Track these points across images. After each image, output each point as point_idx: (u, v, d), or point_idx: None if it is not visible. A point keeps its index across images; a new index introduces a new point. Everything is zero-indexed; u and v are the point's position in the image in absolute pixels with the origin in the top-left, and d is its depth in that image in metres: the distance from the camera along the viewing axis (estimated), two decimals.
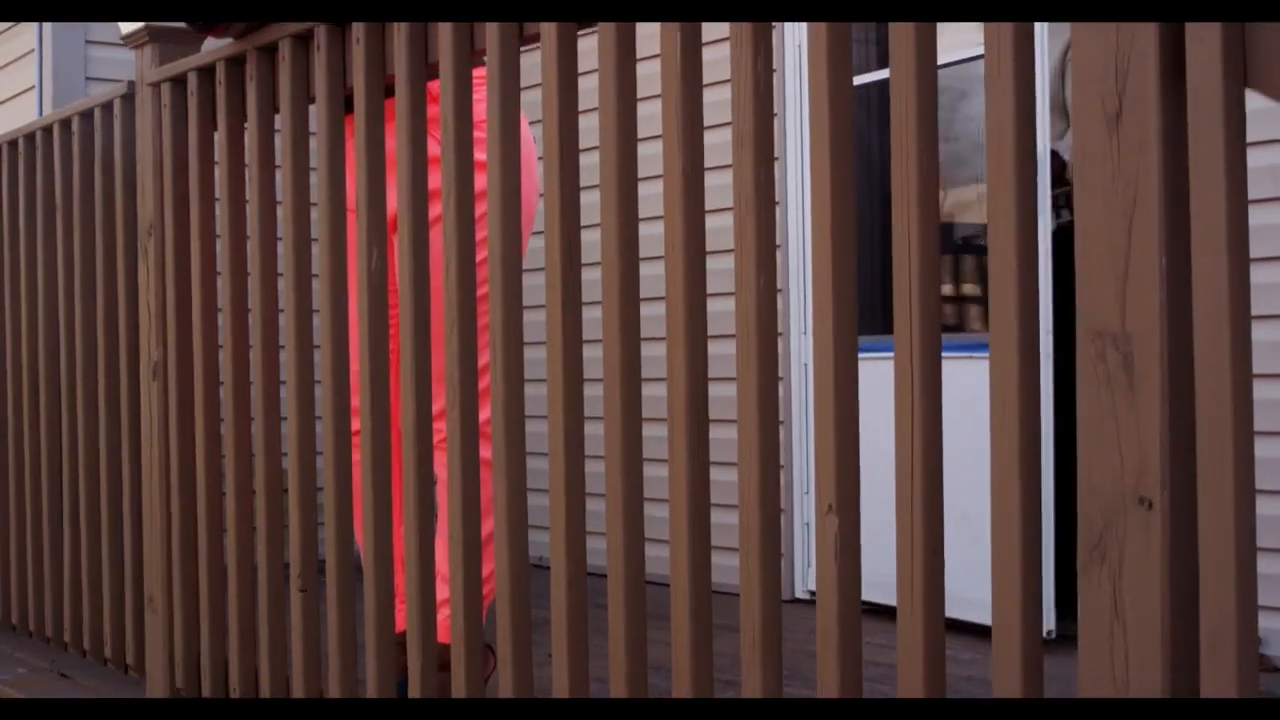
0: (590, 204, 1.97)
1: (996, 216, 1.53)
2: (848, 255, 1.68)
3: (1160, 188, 1.39)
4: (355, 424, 2.69)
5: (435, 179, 2.53)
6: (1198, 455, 1.38)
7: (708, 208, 1.86)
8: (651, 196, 2.16)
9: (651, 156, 2.09)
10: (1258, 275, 1.61)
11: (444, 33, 2.20)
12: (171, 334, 2.86)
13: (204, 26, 2.59)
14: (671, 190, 1.85)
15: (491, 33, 2.11)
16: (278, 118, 2.59)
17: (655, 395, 2.00)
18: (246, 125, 2.66)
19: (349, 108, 2.52)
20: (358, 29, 2.36)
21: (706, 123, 1.87)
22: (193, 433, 2.83)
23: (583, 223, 2.05)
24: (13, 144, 3.50)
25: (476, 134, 2.47)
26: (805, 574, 4.20)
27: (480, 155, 2.52)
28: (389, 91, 2.38)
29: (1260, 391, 3.24)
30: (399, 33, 2.27)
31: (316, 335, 2.54)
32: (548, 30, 2.02)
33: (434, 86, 2.56)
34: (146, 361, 2.93)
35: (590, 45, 2.00)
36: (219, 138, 2.73)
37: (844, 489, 1.68)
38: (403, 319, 2.35)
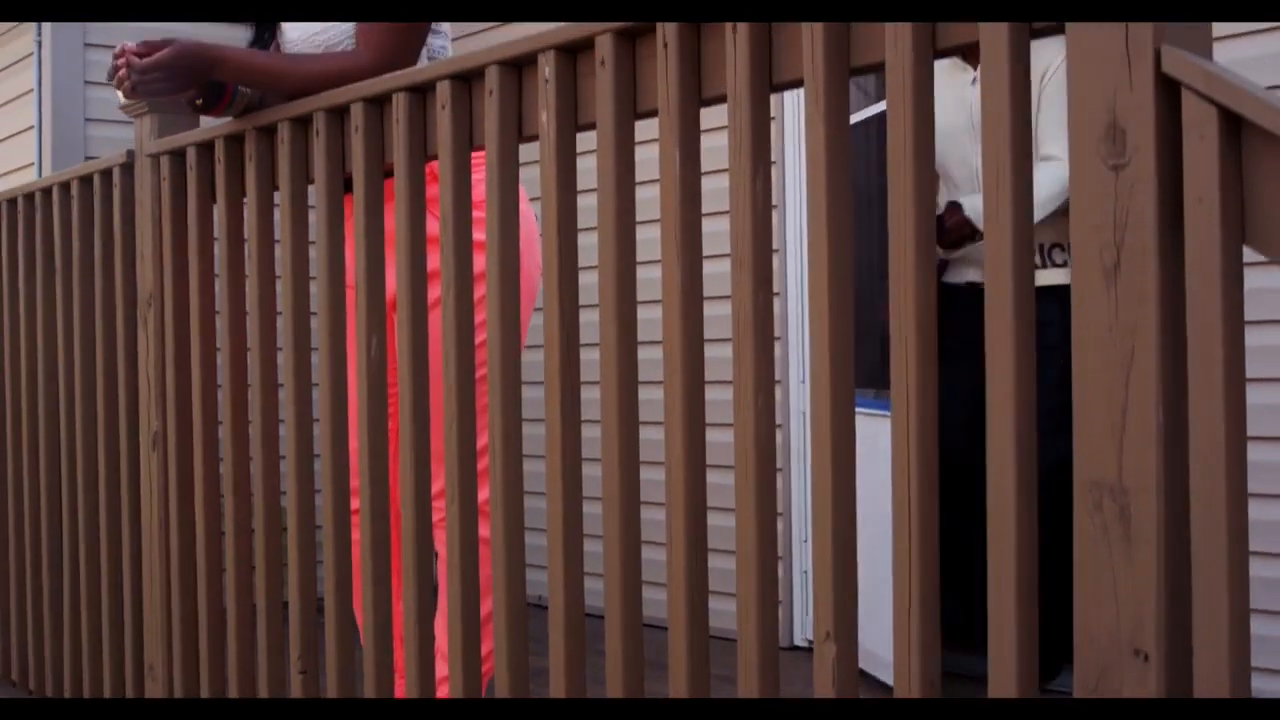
0: (589, 284, 1.98)
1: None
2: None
3: (1158, 342, 1.39)
4: (355, 503, 2.70)
5: (435, 259, 2.54)
6: (1193, 610, 1.38)
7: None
8: (650, 279, 2.16)
9: (649, 201, 2.09)
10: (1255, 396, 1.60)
11: (442, 122, 2.20)
12: (171, 405, 2.86)
13: (204, 108, 2.59)
14: (670, 311, 1.85)
15: (491, 128, 2.11)
16: (276, 194, 2.60)
17: (654, 439, 2.01)
18: (245, 200, 2.66)
19: (348, 187, 2.53)
20: (356, 114, 2.35)
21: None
22: (192, 504, 2.83)
23: (581, 302, 2.05)
24: (12, 202, 3.50)
25: (476, 214, 2.48)
26: (804, 621, 4.20)
27: (480, 236, 2.53)
28: (388, 171, 2.39)
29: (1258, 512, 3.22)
30: (399, 127, 2.27)
31: (316, 410, 2.54)
32: (547, 128, 2.02)
33: (434, 165, 2.56)
34: (146, 431, 2.93)
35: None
36: (218, 211, 2.73)
37: (842, 615, 1.68)
38: (402, 401, 2.35)
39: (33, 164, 4.88)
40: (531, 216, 2.67)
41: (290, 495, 2.59)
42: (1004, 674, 1.52)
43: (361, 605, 2.45)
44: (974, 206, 3.45)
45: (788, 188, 4.22)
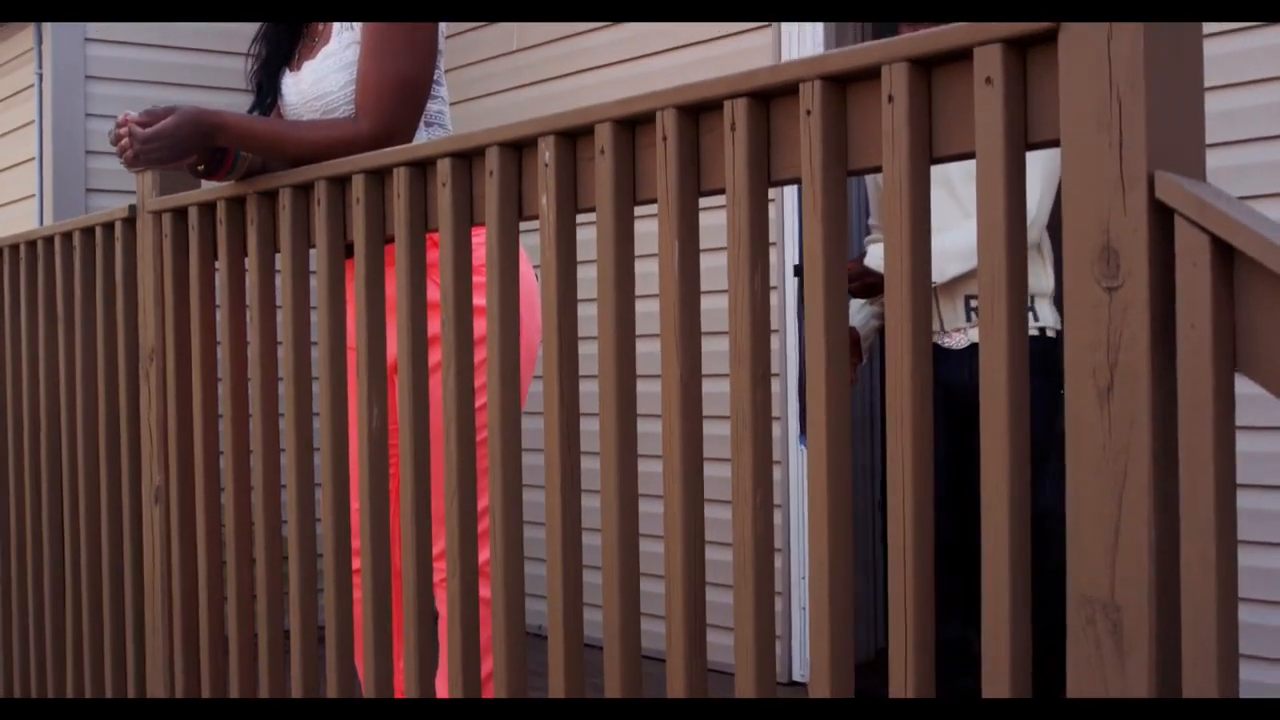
0: (589, 354, 2.00)
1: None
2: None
3: (1150, 463, 1.41)
4: (356, 562, 2.72)
5: (435, 324, 2.55)
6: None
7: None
8: (649, 355, 2.18)
9: (648, 276, 2.10)
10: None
11: (443, 199, 2.22)
12: (173, 459, 2.88)
13: (206, 173, 2.61)
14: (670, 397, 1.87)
15: (491, 209, 2.13)
16: (278, 256, 2.61)
17: (652, 471, 2.03)
18: (247, 259, 2.68)
19: (349, 251, 2.55)
20: (357, 185, 2.37)
21: None
22: (195, 560, 2.85)
23: (582, 372, 2.07)
24: (14, 248, 3.51)
25: (476, 279, 2.50)
26: (803, 656, 4.22)
27: (480, 301, 2.55)
28: (389, 237, 2.40)
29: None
30: (399, 201, 2.29)
31: (318, 474, 2.56)
32: (547, 211, 2.04)
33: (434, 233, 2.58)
34: (148, 486, 2.95)
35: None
36: (220, 268, 2.75)
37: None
38: (403, 463, 2.37)
39: (34, 195, 4.89)
40: (532, 277, 2.69)
41: (291, 548, 2.61)
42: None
43: (363, 665, 2.47)
44: (875, 255, 3.46)
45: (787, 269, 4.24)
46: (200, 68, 5.10)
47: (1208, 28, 3.50)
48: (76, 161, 4.84)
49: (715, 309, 1.89)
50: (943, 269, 3.21)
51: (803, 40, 4.28)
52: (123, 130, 2.47)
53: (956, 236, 3.27)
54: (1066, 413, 1.48)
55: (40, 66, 4.89)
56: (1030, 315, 3.23)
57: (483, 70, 5.28)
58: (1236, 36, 3.50)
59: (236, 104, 4.95)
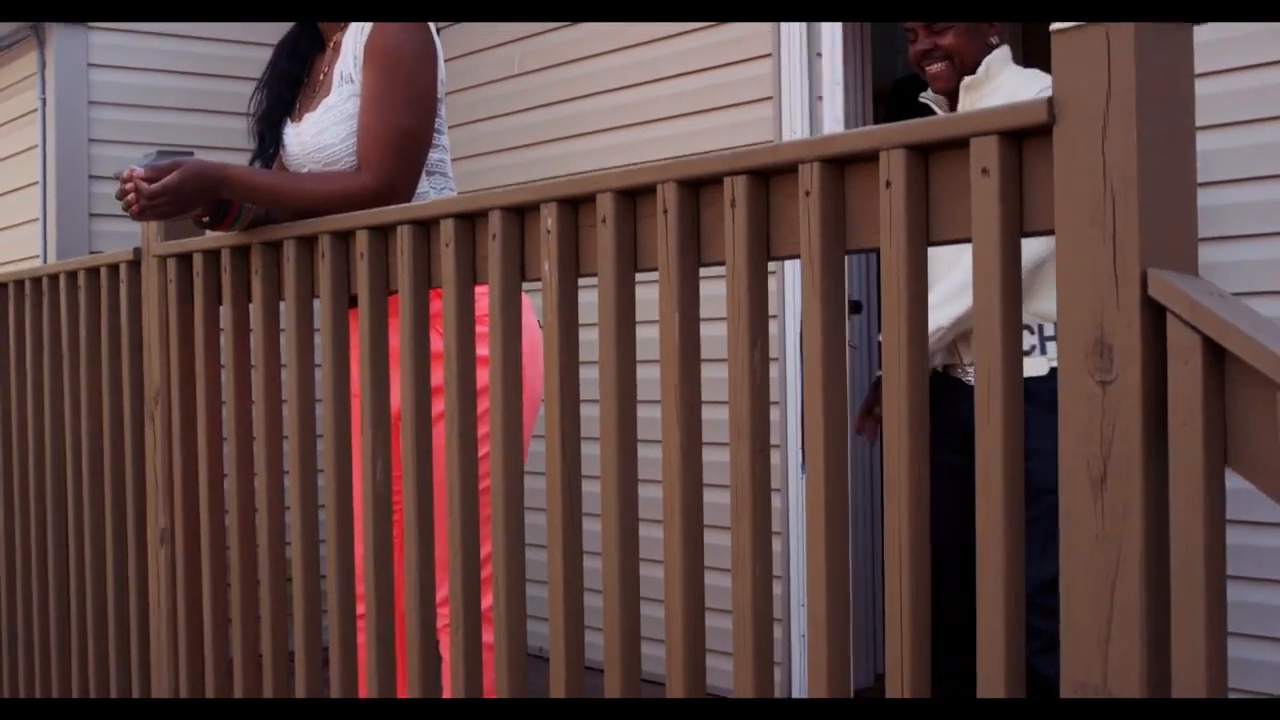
0: (590, 417, 2.02)
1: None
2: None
3: (1143, 554, 1.44)
4: (360, 608, 2.74)
5: (438, 374, 2.58)
6: None
7: None
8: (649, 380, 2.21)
9: (649, 341, 2.12)
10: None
11: (446, 259, 2.24)
12: (179, 502, 2.90)
13: (210, 224, 2.63)
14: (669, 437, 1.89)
15: (494, 273, 2.15)
16: (282, 303, 2.64)
17: (652, 497, 2.06)
18: (251, 305, 2.70)
19: (353, 301, 2.57)
20: (361, 241, 2.40)
21: None
22: (200, 604, 2.87)
23: (583, 434, 2.10)
24: (19, 284, 3.54)
25: (479, 328, 2.52)
26: (802, 682, 4.25)
27: (483, 351, 2.57)
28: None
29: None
30: (403, 258, 2.31)
31: (322, 531, 2.58)
32: (549, 277, 2.06)
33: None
34: (153, 527, 2.98)
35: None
36: (224, 312, 2.77)
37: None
38: (407, 511, 2.40)
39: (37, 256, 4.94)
40: (534, 325, 2.71)
41: (296, 584, 2.63)
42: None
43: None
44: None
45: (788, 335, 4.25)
46: (203, 92, 5.12)
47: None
48: (80, 187, 4.87)
49: (717, 379, 1.91)
50: (938, 320, 3.20)
51: (798, 69, 4.29)
52: (128, 186, 2.50)
53: (946, 285, 3.26)
54: (1060, 501, 1.50)
55: (43, 92, 4.91)
56: (1040, 350, 3.20)
57: (484, 94, 5.31)
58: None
59: (239, 127, 4.98)
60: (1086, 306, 1.47)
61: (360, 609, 2.75)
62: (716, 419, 1.91)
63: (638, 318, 1.99)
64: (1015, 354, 1.56)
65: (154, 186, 2.46)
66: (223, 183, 2.52)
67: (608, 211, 1.96)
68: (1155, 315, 1.43)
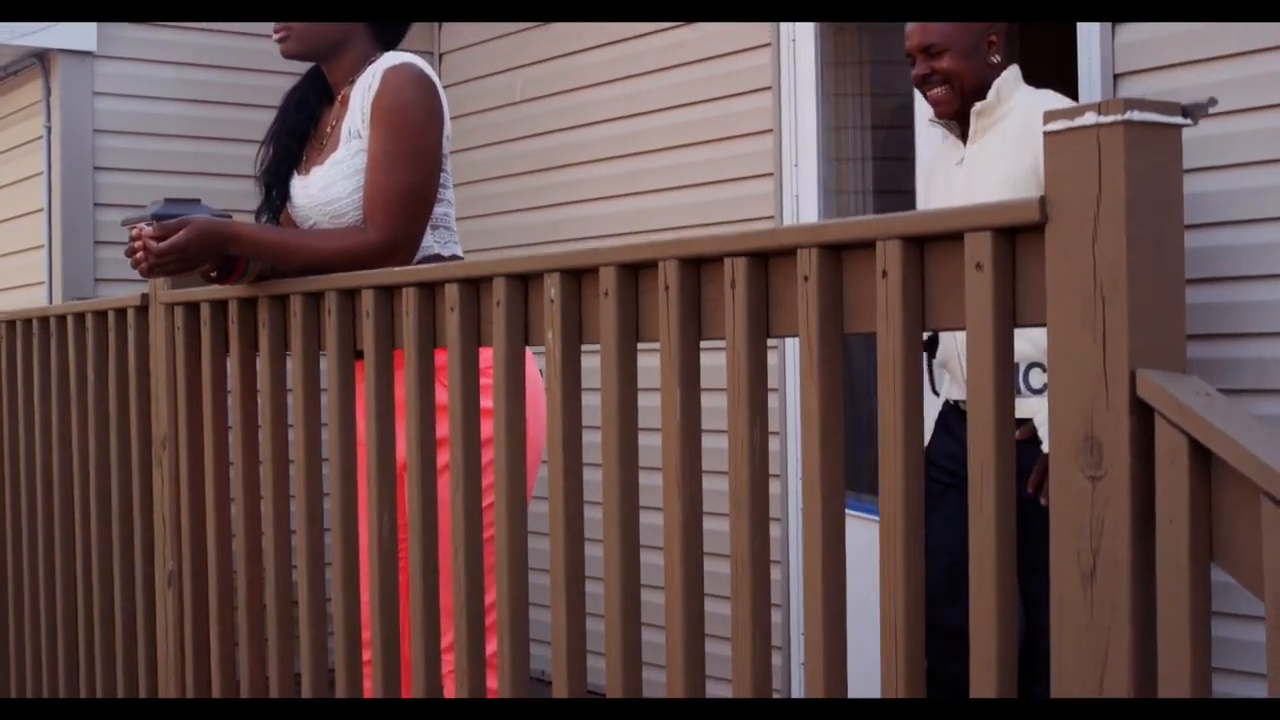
0: (593, 481, 2.06)
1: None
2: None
3: (1131, 645, 1.48)
4: (366, 654, 2.78)
5: (443, 426, 2.62)
6: None
7: None
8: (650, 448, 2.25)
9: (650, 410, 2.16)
10: None
11: (450, 323, 2.28)
12: (186, 544, 2.95)
13: (218, 279, 2.67)
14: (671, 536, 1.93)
15: (499, 341, 2.19)
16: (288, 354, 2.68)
17: (653, 523, 2.10)
18: (258, 356, 2.74)
19: (358, 353, 2.61)
20: (366, 300, 2.43)
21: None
22: (208, 646, 2.91)
23: (586, 498, 2.14)
24: (26, 323, 3.58)
25: (484, 380, 2.56)
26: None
27: (486, 403, 2.61)
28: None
29: None
30: (408, 319, 2.35)
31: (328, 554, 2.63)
32: (552, 346, 2.10)
33: None
34: (161, 569, 3.02)
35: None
36: (231, 363, 2.81)
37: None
38: (412, 560, 2.44)
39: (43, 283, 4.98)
40: (536, 375, 2.75)
41: (303, 633, 2.67)
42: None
43: None
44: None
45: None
46: (207, 120, 5.16)
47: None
48: (84, 214, 4.91)
49: (718, 449, 1.95)
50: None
51: (803, 95, 4.33)
52: (137, 244, 2.54)
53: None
54: (1052, 593, 1.54)
55: (48, 119, 4.95)
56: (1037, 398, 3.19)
57: (486, 120, 5.35)
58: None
59: (244, 154, 5.02)
60: (1077, 403, 1.51)
61: (366, 655, 2.79)
62: (717, 489, 1.95)
63: (640, 384, 2.03)
64: (1008, 445, 1.60)
65: (162, 245, 2.51)
66: (230, 240, 2.56)
67: (610, 285, 2.01)
68: (1144, 414, 1.48)
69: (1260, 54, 3.30)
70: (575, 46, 5.01)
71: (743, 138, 4.45)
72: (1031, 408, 3.12)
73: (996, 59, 3.22)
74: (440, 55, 5.55)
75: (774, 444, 4.25)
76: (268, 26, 2.87)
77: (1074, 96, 3.61)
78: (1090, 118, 1.50)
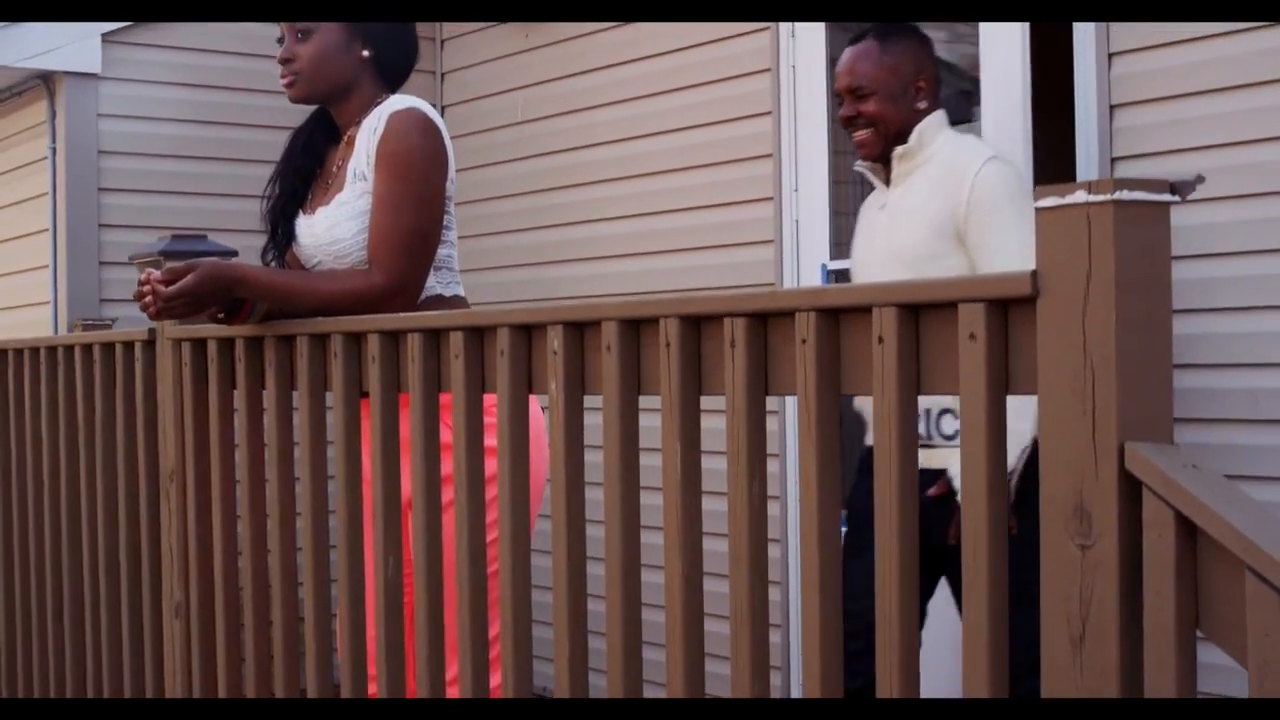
0: (595, 537, 2.10)
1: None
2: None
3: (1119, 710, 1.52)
4: (372, 688, 2.83)
5: (448, 464, 2.66)
6: None
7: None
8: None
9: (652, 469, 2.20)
10: None
11: (455, 370, 2.32)
12: (194, 576, 2.99)
13: (225, 320, 2.71)
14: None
15: (503, 389, 2.23)
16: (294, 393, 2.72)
17: (654, 543, 2.15)
18: (265, 392, 2.79)
19: (364, 393, 2.65)
20: (372, 345, 2.47)
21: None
22: (215, 675, 2.95)
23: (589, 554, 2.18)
24: (34, 352, 3.62)
25: (487, 419, 2.60)
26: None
27: (491, 441, 2.65)
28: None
29: None
30: (414, 366, 2.39)
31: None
32: (556, 397, 2.14)
33: None
34: (169, 601, 3.06)
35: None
36: (238, 401, 2.85)
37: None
38: (417, 595, 2.48)
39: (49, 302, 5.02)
40: (539, 413, 2.79)
41: (309, 663, 2.71)
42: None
43: None
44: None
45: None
46: (212, 140, 5.20)
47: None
48: (90, 235, 4.94)
49: (718, 511, 1.99)
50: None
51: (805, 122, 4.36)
52: (145, 289, 2.58)
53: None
54: (1042, 655, 1.59)
55: (54, 141, 4.99)
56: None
57: (488, 140, 5.38)
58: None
59: (248, 174, 5.06)
60: (1067, 475, 1.55)
61: (372, 689, 2.83)
62: (717, 550, 1.99)
63: (641, 444, 2.07)
64: (1000, 511, 1.64)
65: (171, 290, 2.55)
66: (237, 283, 2.60)
67: (612, 339, 2.05)
68: (1132, 486, 1.52)
69: (1256, 87, 3.34)
70: (577, 69, 5.05)
71: (743, 162, 4.49)
72: (945, 458, 3.10)
73: (923, 105, 3.24)
74: (442, 75, 5.59)
75: (774, 509, 4.26)
76: (271, 47, 2.91)
77: (1071, 128, 3.65)
78: (1081, 196, 1.54)
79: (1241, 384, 3.35)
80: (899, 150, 3.21)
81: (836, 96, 3.32)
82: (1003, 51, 3.75)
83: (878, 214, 3.28)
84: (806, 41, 4.32)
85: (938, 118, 3.23)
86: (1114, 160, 3.56)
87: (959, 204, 3.09)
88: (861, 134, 3.24)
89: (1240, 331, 3.36)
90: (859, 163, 3.34)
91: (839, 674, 1.82)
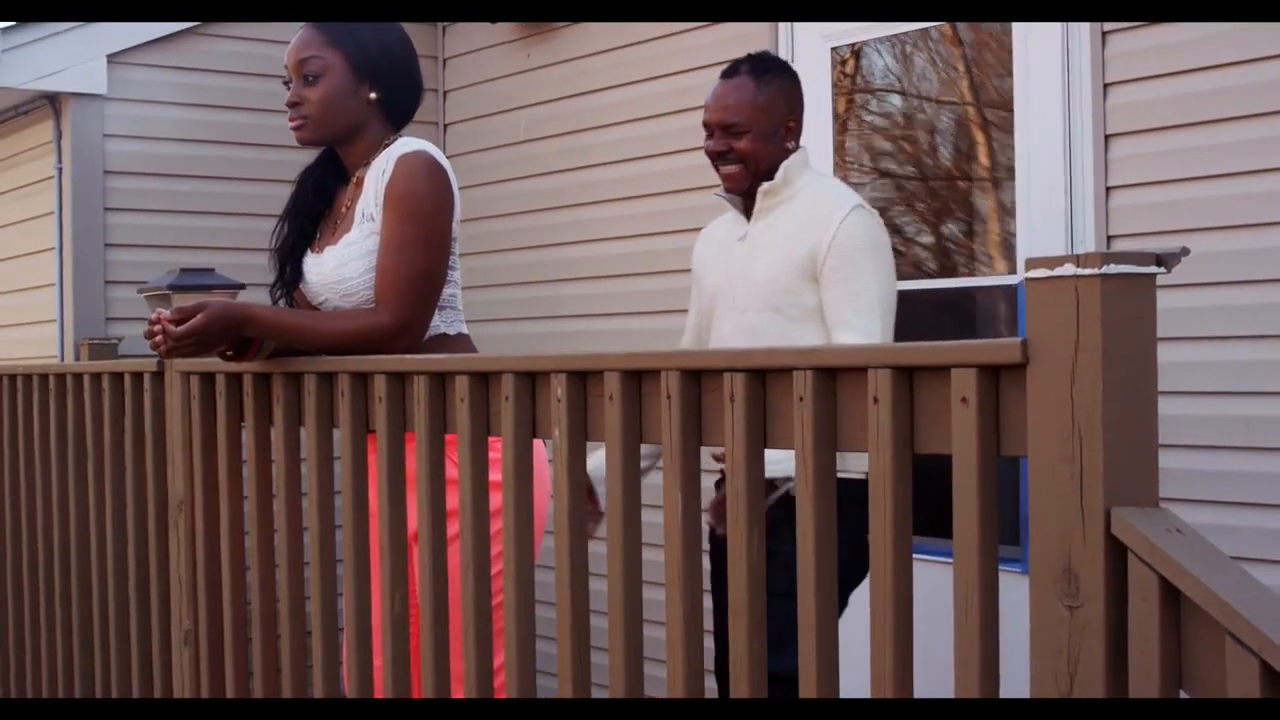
0: (598, 590, 2.15)
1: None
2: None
3: None
4: None
5: (453, 499, 2.71)
6: None
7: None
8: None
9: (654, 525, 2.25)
10: None
11: (460, 413, 2.37)
12: (203, 604, 3.04)
13: (233, 358, 2.77)
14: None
15: (507, 434, 2.28)
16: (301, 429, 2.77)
17: (654, 559, 2.21)
18: (272, 429, 2.84)
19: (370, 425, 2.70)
20: (379, 385, 2.53)
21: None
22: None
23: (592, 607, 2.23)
24: (43, 378, 3.67)
25: (492, 455, 2.66)
26: None
27: (495, 476, 2.71)
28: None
29: None
30: (420, 408, 2.44)
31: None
32: (559, 444, 2.20)
33: None
34: (178, 628, 3.11)
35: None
36: (247, 432, 2.90)
37: None
38: (423, 628, 2.53)
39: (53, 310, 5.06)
40: (541, 449, 2.84)
41: (316, 682, 2.76)
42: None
43: None
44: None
45: None
46: (217, 159, 5.25)
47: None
48: (95, 254, 5.00)
49: None
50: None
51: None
52: (156, 329, 2.63)
53: None
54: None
55: (59, 160, 5.04)
56: None
57: (490, 158, 5.44)
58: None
59: (253, 194, 5.11)
60: (1055, 538, 1.60)
61: None
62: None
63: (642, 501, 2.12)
64: (992, 571, 1.69)
65: (181, 329, 2.60)
66: (246, 322, 2.66)
67: (615, 389, 2.10)
68: (1118, 550, 1.57)
69: (1249, 120, 3.40)
70: (579, 89, 5.10)
71: None
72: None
73: (791, 144, 3.29)
74: (444, 93, 5.64)
75: None
76: (275, 67, 2.96)
77: (1068, 160, 3.71)
78: (1069, 269, 1.59)
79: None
80: (765, 186, 3.26)
81: (706, 127, 3.36)
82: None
83: (737, 244, 3.34)
84: (807, 64, 4.37)
85: (801, 156, 3.30)
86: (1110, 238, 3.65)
87: (821, 247, 3.17)
88: (730, 169, 3.29)
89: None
90: (718, 191, 3.40)
91: None
